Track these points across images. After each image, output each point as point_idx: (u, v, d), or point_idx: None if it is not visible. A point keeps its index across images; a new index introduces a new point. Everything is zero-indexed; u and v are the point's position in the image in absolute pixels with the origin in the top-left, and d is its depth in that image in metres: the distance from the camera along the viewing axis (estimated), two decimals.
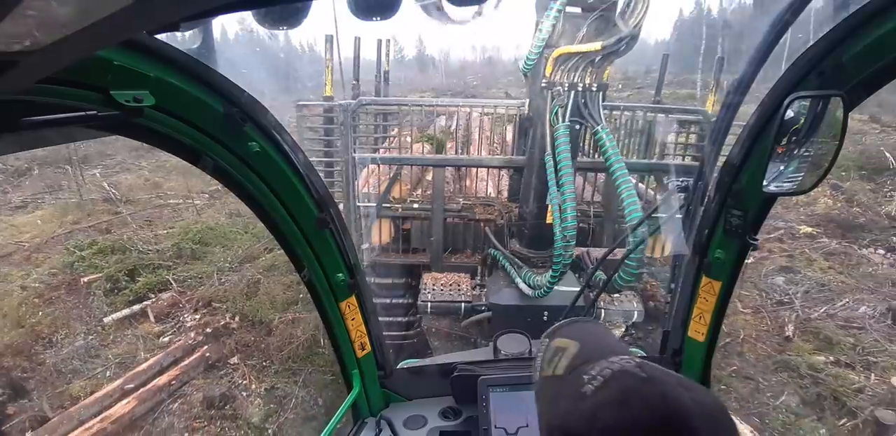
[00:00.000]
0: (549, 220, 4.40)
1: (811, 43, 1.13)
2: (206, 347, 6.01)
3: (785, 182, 1.17)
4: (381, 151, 6.10)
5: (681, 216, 1.75)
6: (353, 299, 1.71)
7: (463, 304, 5.12)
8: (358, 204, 5.63)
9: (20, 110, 0.80)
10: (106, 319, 6.57)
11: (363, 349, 1.81)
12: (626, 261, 3.89)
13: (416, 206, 5.72)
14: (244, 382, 5.63)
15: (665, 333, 1.87)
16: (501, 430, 1.63)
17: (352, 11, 0.90)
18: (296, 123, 5.52)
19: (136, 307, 6.83)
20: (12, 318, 6.32)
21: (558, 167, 4.20)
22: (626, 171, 4.00)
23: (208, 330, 6.27)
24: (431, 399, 1.94)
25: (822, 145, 1.13)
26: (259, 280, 7.18)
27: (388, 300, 5.86)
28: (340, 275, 1.62)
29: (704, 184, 1.64)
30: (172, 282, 7.31)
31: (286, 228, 1.46)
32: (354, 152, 5.31)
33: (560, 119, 4.29)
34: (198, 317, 6.62)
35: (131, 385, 5.41)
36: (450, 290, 5.33)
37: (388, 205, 5.70)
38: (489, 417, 1.67)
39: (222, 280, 7.41)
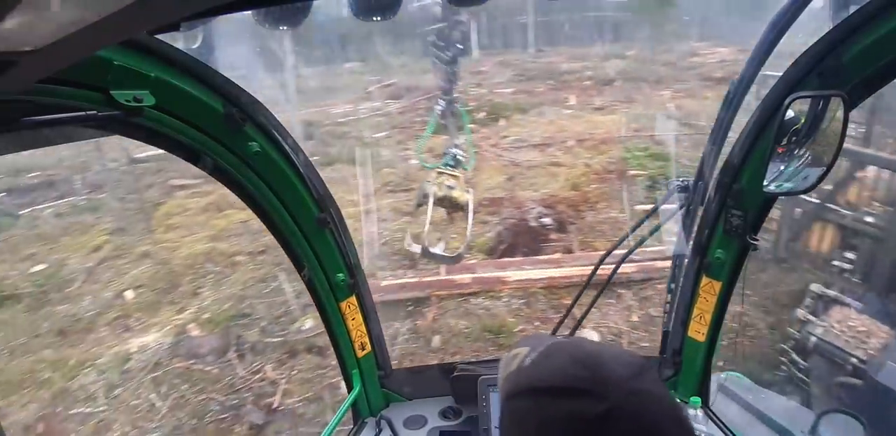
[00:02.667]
0: None
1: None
2: None
3: (785, 182, 1.17)
4: None
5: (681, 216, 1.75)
6: (353, 299, 1.71)
7: (853, 359, 3.80)
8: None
9: (20, 110, 0.80)
10: (636, 207, 8.24)
11: (363, 349, 1.81)
12: None
13: (869, 219, 4.37)
14: None
15: (665, 333, 1.86)
16: None
17: (353, 12, 0.90)
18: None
19: None
20: (573, 182, 8.84)
21: None
22: None
23: None
24: (431, 399, 1.94)
25: (822, 145, 1.13)
26: None
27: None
28: (341, 275, 1.62)
29: (704, 184, 1.64)
30: None
31: (286, 227, 1.46)
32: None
33: None
34: None
35: (637, 257, 6.47)
36: (851, 335, 3.94)
37: (836, 208, 4.61)
38: (489, 417, 1.67)
39: None
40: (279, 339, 5.76)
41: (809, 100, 1.13)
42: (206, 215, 8.14)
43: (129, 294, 6.55)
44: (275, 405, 4.95)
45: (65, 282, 6.93)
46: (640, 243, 2.15)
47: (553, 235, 7.17)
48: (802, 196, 4.68)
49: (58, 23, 0.36)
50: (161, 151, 1.21)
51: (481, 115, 12.59)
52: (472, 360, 2.01)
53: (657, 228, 2.17)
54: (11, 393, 5.19)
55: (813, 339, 4.09)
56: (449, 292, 6.35)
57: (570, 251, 7.05)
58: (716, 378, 3.33)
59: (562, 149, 10.30)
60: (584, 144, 10.59)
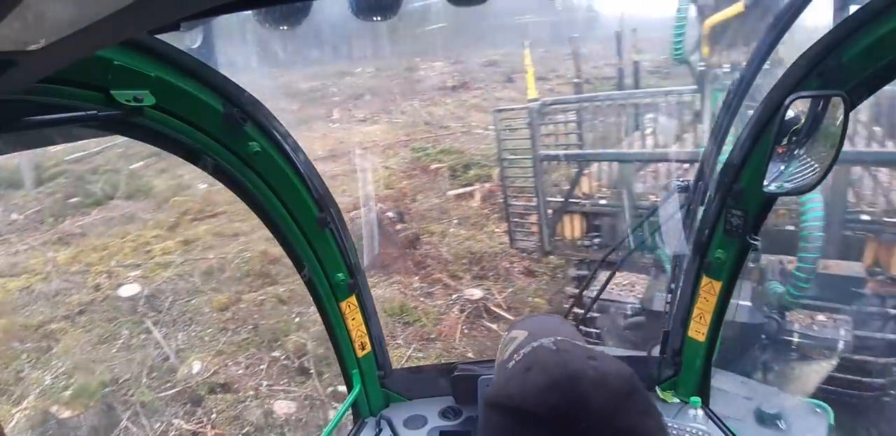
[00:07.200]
0: None
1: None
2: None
3: (785, 182, 1.17)
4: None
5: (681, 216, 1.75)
6: (353, 299, 1.71)
7: (629, 305, 5.05)
8: (548, 199, 5.95)
9: (20, 110, 0.80)
10: (448, 193, 9.89)
11: (363, 349, 1.81)
12: (795, 271, 4.01)
13: (602, 202, 5.71)
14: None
15: (665, 333, 1.86)
16: None
17: (352, 12, 0.90)
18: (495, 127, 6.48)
19: (469, 188, 9.95)
20: (385, 182, 10.08)
21: None
22: None
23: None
24: (431, 399, 1.94)
25: (822, 145, 1.13)
26: None
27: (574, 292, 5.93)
28: (341, 275, 1.62)
29: (704, 184, 1.64)
30: (493, 177, 10.08)
31: (286, 227, 1.46)
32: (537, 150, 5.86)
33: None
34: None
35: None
36: (620, 289, 5.24)
37: (576, 200, 5.80)
38: None
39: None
40: (173, 390, 5.23)
41: (809, 100, 1.13)
42: None
43: None
44: None
45: None
46: (640, 243, 2.15)
47: (398, 226, 8.46)
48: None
49: (58, 23, 0.36)
50: None
51: None
52: (473, 360, 2.01)
53: (657, 228, 2.17)
54: None
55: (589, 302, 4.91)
56: None
57: (417, 237, 8.33)
58: None
59: (352, 157, 11.19)
60: (372, 151, 11.87)
